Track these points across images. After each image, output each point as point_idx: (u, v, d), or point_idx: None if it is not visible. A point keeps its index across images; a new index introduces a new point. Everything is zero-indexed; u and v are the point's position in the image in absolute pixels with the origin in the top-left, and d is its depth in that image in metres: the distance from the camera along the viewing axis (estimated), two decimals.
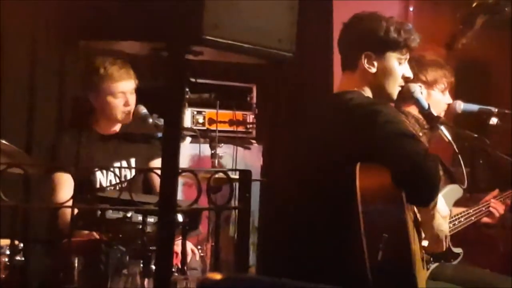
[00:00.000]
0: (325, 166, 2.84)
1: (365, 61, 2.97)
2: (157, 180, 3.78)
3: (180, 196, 2.87)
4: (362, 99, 2.92)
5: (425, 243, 3.13)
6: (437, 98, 3.80)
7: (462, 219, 3.73)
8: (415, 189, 2.70)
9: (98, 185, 3.92)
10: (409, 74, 3.06)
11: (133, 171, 3.98)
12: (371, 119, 2.76)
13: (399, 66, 3.02)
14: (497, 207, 3.88)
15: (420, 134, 3.72)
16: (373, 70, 2.98)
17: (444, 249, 3.11)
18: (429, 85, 3.76)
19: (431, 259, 3.61)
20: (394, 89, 3.03)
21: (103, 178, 3.93)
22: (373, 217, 2.64)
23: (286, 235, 2.95)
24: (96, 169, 3.89)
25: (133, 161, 4.01)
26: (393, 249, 2.64)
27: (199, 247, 3.97)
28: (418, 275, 2.80)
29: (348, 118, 2.83)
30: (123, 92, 3.88)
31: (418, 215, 3.02)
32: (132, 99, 3.92)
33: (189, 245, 3.81)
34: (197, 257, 3.88)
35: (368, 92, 3.01)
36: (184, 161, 4.52)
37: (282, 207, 3.04)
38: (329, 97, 3.09)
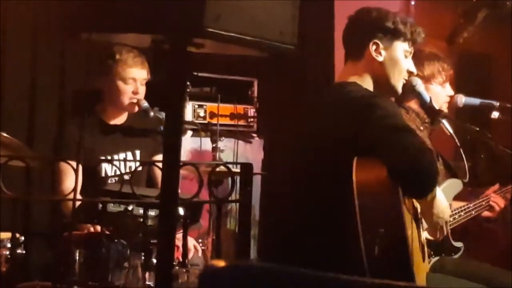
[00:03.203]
0: (323, 160, 2.84)
1: (373, 49, 2.98)
2: (159, 174, 3.79)
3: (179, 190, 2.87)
4: (360, 91, 2.92)
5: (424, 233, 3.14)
6: (436, 92, 3.80)
7: (462, 213, 3.73)
8: (412, 183, 2.70)
9: (103, 174, 3.94)
10: (413, 69, 3.08)
11: (136, 163, 3.99)
12: (368, 113, 2.76)
13: (405, 59, 3.03)
14: (497, 201, 3.88)
15: (421, 128, 3.72)
16: (380, 58, 2.99)
17: (445, 233, 3.11)
18: (427, 79, 3.76)
19: (432, 253, 3.61)
20: (399, 82, 3.04)
21: (108, 167, 3.94)
22: (370, 211, 2.64)
23: (285, 228, 2.95)
24: (102, 158, 3.91)
25: (138, 152, 4.03)
26: (390, 243, 2.64)
27: (200, 240, 3.97)
28: (418, 268, 2.81)
29: (345, 111, 2.83)
30: (134, 78, 3.91)
31: (417, 206, 3.02)
32: (142, 89, 3.94)
33: (191, 241, 3.82)
34: (199, 253, 3.89)
35: (368, 83, 3.01)
36: (185, 155, 4.52)
37: (281, 201, 3.04)
38: (327, 89, 3.08)
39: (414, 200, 2.99)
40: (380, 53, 3.00)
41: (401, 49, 3.03)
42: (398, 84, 3.04)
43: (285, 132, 3.17)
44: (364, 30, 3.02)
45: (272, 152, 4.78)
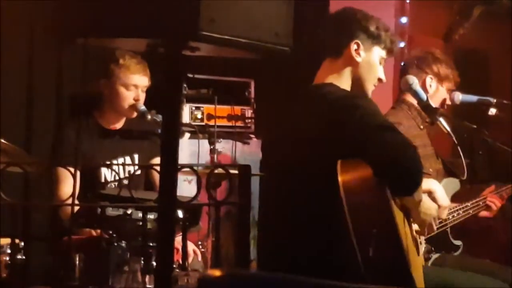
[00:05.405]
0: (308, 163, 2.84)
1: (354, 48, 3.00)
2: (157, 177, 3.78)
3: (184, 192, 2.88)
4: (338, 92, 2.93)
5: (415, 227, 3.15)
6: (443, 95, 3.83)
7: (460, 212, 3.75)
8: (397, 180, 2.70)
9: (103, 180, 3.94)
10: (384, 77, 3.08)
11: (135, 167, 3.99)
12: (348, 113, 2.77)
13: (379, 66, 3.05)
14: (494, 201, 3.90)
15: (421, 127, 3.73)
16: (359, 59, 3.01)
17: (435, 230, 3.11)
18: (440, 79, 3.81)
19: (432, 248, 3.63)
20: (371, 86, 3.06)
21: (107, 172, 3.94)
22: (359, 212, 2.62)
23: (278, 232, 2.95)
24: (101, 163, 3.91)
25: (136, 156, 4.03)
26: (383, 242, 2.63)
27: (199, 242, 3.97)
28: (414, 263, 2.81)
29: (326, 114, 2.83)
30: (136, 85, 3.92)
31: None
32: (142, 96, 3.94)
33: (191, 246, 3.82)
34: (199, 258, 3.88)
35: (347, 81, 3.01)
36: (183, 157, 4.51)
37: (273, 203, 3.03)
38: (307, 91, 3.09)
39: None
40: (359, 54, 3.01)
41: (379, 55, 3.05)
42: (370, 88, 3.06)
43: (272, 134, 3.17)
44: (348, 28, 3.03)
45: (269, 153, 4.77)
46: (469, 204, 3.81)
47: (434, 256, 3.68)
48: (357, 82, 3.02)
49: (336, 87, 2.96)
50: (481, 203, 3.87)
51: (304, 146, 2.86)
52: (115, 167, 3.91)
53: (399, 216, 2.81)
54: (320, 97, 2.92)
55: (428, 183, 3.35)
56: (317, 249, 2.77)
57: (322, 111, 2.85)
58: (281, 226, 2.92)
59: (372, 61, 3.03)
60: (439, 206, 3.31)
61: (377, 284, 2.54)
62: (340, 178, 2.65)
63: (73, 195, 2.94)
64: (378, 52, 3.04)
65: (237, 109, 4.84)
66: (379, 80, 3.07)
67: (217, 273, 1.52)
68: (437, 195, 3.29)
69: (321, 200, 2.76)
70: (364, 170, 2.67)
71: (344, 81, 3.01)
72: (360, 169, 2.68)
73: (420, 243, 3.54)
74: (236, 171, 3.05)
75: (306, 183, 2.83)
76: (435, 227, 3.10)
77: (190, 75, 4.47)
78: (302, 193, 2.84)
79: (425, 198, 3.00)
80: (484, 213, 3.89)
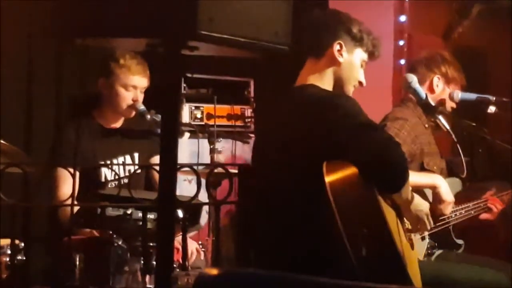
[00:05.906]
0: (294, 164, 2.84)
1: (336, 48, 3.02)
2: (158, 177, 3.77)
3: (184, 192, 2.88)
4: (320, 93, 2.95)
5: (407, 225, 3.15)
6: (446, 96, 3.84)
7: (462, 211, 3.77)
8: (383, 178, 2.71)
9: (103, 179, 3.93)
10: (364, 80, 3.09)
11: (135, 166, 3.99)
12: (331, 114, 2.79)
13: (360, 68, 3.07)
14: (495, 204, 3.91)
15: (426, 126, 3.73)
16: (341, 59, 3.03)
17: (429, 228, 3.11)
18: (448, 80, 3.82)
19: (436, 244, 3.65)
20: (351, 87, 3.07)
21: (108, 172, 3.94)
22: (348, 212, 2.61)
23: (269, 230, 2.95)
24: (101, 162, 3.91)
25: (136, 155, 4.03)
26: (375, 241, 2.63)
27: (200, 242, 3.97)
28: (408, 259, 2.81)
29: (309, 115, 2.84)
30: (135, 86, 3.91)
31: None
32: (141, 97, 3.94)
33: (194, 244, 3.82)
34: (202, 257, 3.88)
35: (329, 81, 3.03)
36: (183, 157, 4.51)
37: (262, 202, 3.03)
38: (289, 93, 3.10)
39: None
40: (341, 55, 3.04)
41: (360, 57, 3.08)
42: (351, 89, 3.07)
43: (259, 136, 3.17)
44: (332, 28, 3.06)
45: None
46: (470, 205, 3.82)
47: (437, 252, 3.70)
48: (338, 82, 3.05)
49: (318, 87, 2.98)
50: (482, 205, 3.89)
51: (289, 148, 2.86)
52: (115, 167, 3.91)
53: (390, 214, 2.80)
54: (303, 98, 2.94)
55: (432, 178, 3.39)
56: (307, 249, 2.77)
57: (305, 113, 2.86)
58: (270, 226, 2.92)
59: (354, 63, 3.06)
60: (443, 202, 3.33)
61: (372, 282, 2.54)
62: (326, 180, 2.64)
63: (72, 195, 2.94)
64: (360, 55, 3.07)
65: (237, 109, 4.84)
66: (360, 83, 3.09)
67: (214, 271, 1.52)
68: (441, 190, 3.32)
69: (310, 200, 2.76)
70: (349, 171, 2.67)
71: (326, 82, 3.03)
72: (346, 169, 2.68)
73: (423, 238, 3.55)
74: (236, 171, 3.06)
75: (293, 184, 2.83)
76: (428, 225, 3.09)
77: (189, 75, 4.47)
78: (290, 194, 2.84)
79: (415, 196, 3.00)
80: (485, 216, 3.90)
